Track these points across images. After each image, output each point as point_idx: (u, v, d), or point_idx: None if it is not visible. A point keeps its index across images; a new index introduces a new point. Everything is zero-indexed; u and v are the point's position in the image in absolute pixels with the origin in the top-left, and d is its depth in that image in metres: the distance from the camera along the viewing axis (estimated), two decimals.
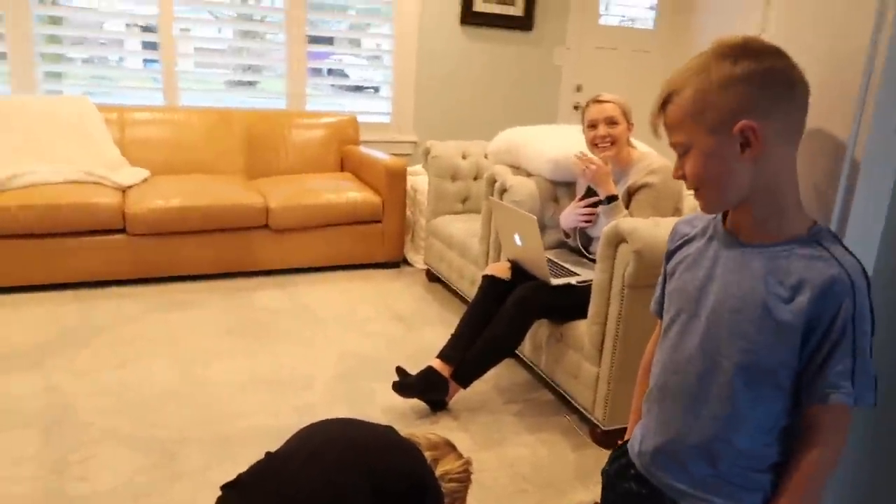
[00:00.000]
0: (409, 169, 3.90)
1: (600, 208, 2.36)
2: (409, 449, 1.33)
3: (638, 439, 1.11)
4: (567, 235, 2.66)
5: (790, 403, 0.96)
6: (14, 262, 3.07)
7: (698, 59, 0.95)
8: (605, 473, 1.21)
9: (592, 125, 2.45)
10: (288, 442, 1.29)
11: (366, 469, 1.20)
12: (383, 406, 2.34)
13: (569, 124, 3.37)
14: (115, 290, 3.24)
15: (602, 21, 4.93)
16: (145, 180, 3.50)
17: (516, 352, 2.59)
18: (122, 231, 3.22)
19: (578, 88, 4.86)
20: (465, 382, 2.33)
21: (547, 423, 2.34)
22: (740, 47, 0.92)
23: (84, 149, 3.44)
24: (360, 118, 4.28)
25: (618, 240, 2.10)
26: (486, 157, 3.48)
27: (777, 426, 0.97)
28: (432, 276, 3.63)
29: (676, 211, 2.38)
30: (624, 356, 2.12)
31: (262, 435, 2.13)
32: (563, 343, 2.36)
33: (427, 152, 3.54)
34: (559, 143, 2.88)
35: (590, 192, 2.51)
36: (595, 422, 2.23)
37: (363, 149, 4.05)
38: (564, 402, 2.46)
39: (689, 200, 2.42)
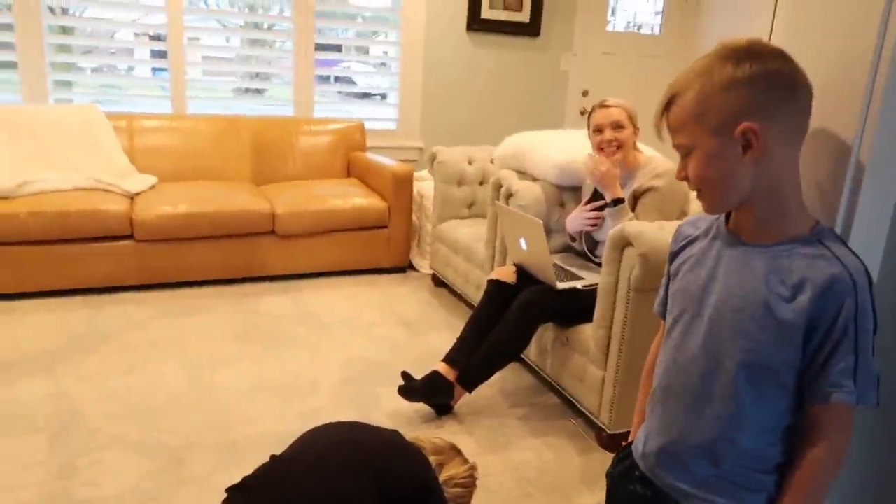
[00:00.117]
0: (416, 174, 3.91)
1: (606, 211, 2.35)
2: (413, 453, 1.33)
3: (642, 440, 1.11)
4: (573, 239, 2.66)
5: (793, 403, 0.95)
6: (23, 268, 3.10)
7: (702, 61, 0.95)
8: (609, 476, 1.20)
9: (598, 130, 2.45)
10: (292, 445, 1.29)
11: (371, 472, 1.20)
12: (389, 410, 2.34)
13: (575, 129, 3.37)
14: (122, 296, 3.26)
15: (609, 27, 4.94)
16: (153, 187, 3.53)
17: (522, 356, 2.58)
18: (130, 237, 3.25)
19: (585, 94, 4.86)
20: (470, 386, 2.33)
21: (552, 427, 2.33)
22: (743, 50, 0.92)
23: (93, 156, 3.47)
24: (367, 125, 4.29)
25: (623, 243, 2.10)
26: (491, 162, 3.49)
27: (780, 426, 0.96)
28: (438, 282, 3.63)
29: (682, 214, 2.37)
30: (630, 360, 2.11)
31: (268, 440, 2.14)
32: (569, 347, 2.35)
33: (433, 158, 3.55)
34: (565, 148, 2.88)
35: (596, 196, 2.50)
36: (601, 425, 2.22)
37: (370, 155, 4.06)
38: (570, 405, 2.45)
39: (696, 204, 2.41)
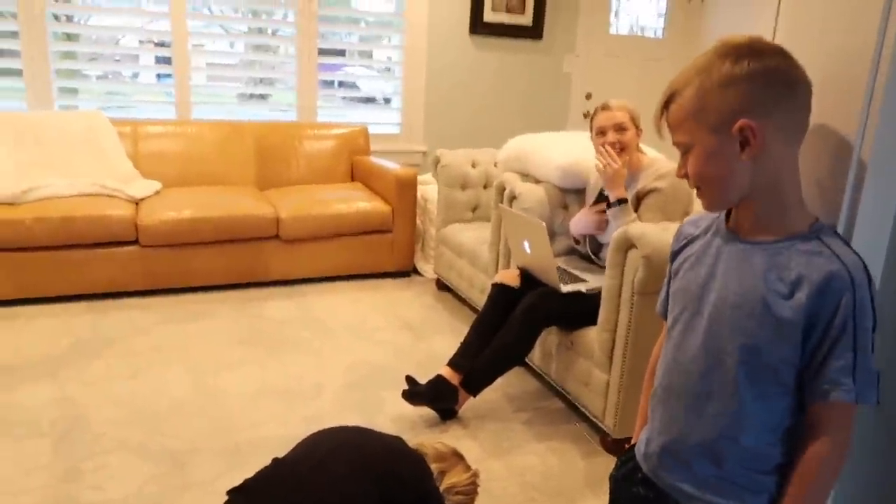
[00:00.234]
0: (419, 178, 3.91)
1: (609, 211, 2.34)
2: (416, 461, 1.33)
3: (644, 442, 1.11)
4: (577, 242, 2.65)
5: (794, 402, 0.94)
6: (28, 273, 3.11)
7: (701, 58, 0.96)
8: (612, 478, 1.20)
9: (601, 132, 2.44)
10: (295, 449, 1.29)
11: (374, 477, 1.20)
12: (392, 415, 2.34)
13: (578, 132, 3.36)
14: (127, 301, 3.26)
15: (612, 29, 4.93)
16: (158, 192, 3.53)
17: (526, 360, 2.58)
18: (135, 243, 3.26)
19: (588, 96, 4.86)
20: (474, 391, 2.32)
21: (556, 432, 2.32)
22: (742, 47, 0.92)
23: (98, 162, 3.48)
24: (371, 129, 4.30)
25: (627, 245, 2.09)
26: (495, 165, 3.49)
27: (781, 425, 0.95)
28: (442, 286, 3.63)
29: (685, 215, 2.36)
30: (634, 363, 2.10)
31: (272, 444, 2.13)
32: (574, 351, 2.34)
33: (437, 161, 3.55)
34: (568, 150, 2.88)
35: (600, 199, 2.50)
36: (605, 430, 2.21)
37: (373, 159, 4.07)
38: (574, 410, 2.44)
39: (699, 205, 2.40)
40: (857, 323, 0.89)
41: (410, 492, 1.25)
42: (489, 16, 4.48)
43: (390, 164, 3.83)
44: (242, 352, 2.79)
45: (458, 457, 1.42)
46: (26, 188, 3.16)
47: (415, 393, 2.28)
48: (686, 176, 0.99)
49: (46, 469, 1.97)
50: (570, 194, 2.91)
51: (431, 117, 4.53)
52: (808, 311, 0.89)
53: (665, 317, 1.12)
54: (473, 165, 3.58)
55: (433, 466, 1.35)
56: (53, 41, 3.73)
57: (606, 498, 1.23)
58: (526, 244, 2.40)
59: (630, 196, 2.35)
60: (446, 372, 2.33)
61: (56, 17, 3.80)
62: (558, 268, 2.47)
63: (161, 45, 4.09)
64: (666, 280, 1.14)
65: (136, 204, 3.37)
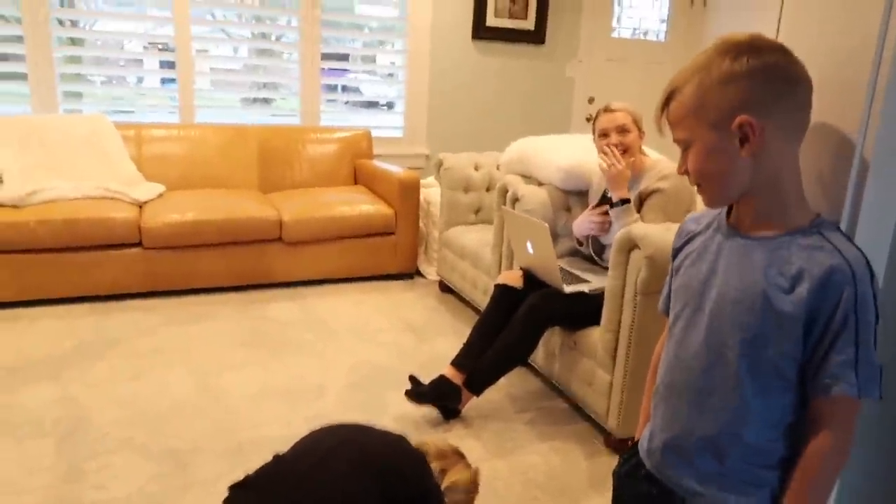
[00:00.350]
0: (422, 181, 3.92)
1: (612, 211, 2.34)
2: (417, 459, 1.32)
3: (647, 438, 1.10)
4: (580, 243, 2.65)
5: (797, 398, 0.94)
6: (32, 275, 3.12)
7: (701, 55, 0.96)
8: (615, 475, 1.19)
9: (604, 134, 2.44)
10: (296, 445, 1.29)
11: (375, 474, 1.20)
12: (396, 414, 2.34)
13: (580, 135, 3.37)
14: (130, 303, 3.27)
15: (614, 33, 4.95)
16: (161, 195, 3.55)
17: (529, 360, 2.58)
18: (138, 245, 3.26)
19: (591, 100, 4.87)
20: (477, 390, 2.32)
21: (560, 432, 2.31)
22: (742, 44, 0.93)
23: (101, 165, 3.50)
24: (374, 132, 4.31)
25: (630, 246, 2.09)
26: (498, 168, 3.49)
27: (784, 421, 0.95)
28: (445, 288, 3.63)
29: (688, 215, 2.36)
30: (637, 363, 2.10)
31: (275, 445, 2.11)
32: (577, 351, 2.34)
33: (439, 164, 3.56)
34: (570, 153, 2.88)
35: (603, 201, 2.50)
36: (609, 430, 2.20)
37: (376, 162, 4.08)
38: (578, 410, 2.44)
39: (702, 206, 2.40)
40: (858, 317, 0.88)
41: (412, 490, 1.24)
42: (492, 20, 4.50)
43: (393, 168, 3.84)
44: (245, 353, 2.79)
45: (458, 455, 1.42)
46: (30, 191, 3.17)
47: (418, 392, 2.28)
48: (686, 172, 0.99)
49: (49, 469, 1.97)
50: (573, 196, 2.92)
51: (434, 121, 4.54)
52: (809, 306, 0.89)
53: (667, 314, 1.12)
54: (476, 168, 3.58)
55: (434, 465, 1.34)
56: (58, 46, 3.75)
57: (610, 497, 1.23)
58: (529, 245, 2.40)
59: (633, 197, 2.35)
60: (449, 372, 2.32)
61: (60, 23, 3.82)
62: (561, 268, 2.47)
63: (165, 49, 4.11)
64: (668, 277, 1.14)
65: (140, 206, 3.38)
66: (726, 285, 0.97)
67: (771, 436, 0.95)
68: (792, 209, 0.95)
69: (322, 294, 3.53)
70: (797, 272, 0.90)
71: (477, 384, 2.31)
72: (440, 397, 2.30)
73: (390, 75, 4.68)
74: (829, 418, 0.91)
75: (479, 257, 3.15)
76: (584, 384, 2.30)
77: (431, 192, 3.93)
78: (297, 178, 4.03)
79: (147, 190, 3.51)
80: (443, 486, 1.31)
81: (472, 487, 1.37)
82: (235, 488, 1.19)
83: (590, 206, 2.60)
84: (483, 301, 2.98)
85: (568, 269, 2.56)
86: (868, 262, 0.91)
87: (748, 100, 0.91)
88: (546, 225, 2.28)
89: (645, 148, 2.52)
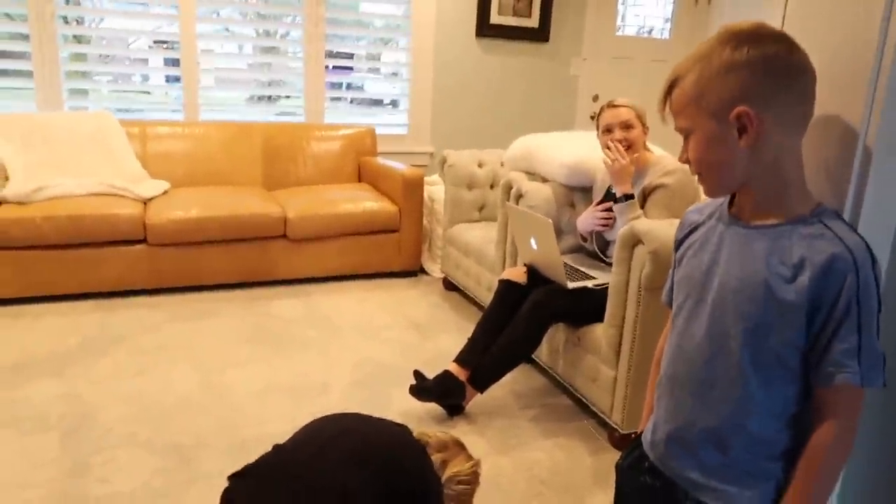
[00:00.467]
0: (426, 179, 3.92)
1: (616, 206, 2.34)
2: (418, 451, 1.32)
3: (650, 430, 1.10)
4: (584, 239, 2.65)
5: (801, 388, 0.93)
6: (37, 272, 3.13)
7: (704, 45, 0.96)
8: (618, 468, 1.19)
9: (608, 130, 2.44)
10: (296, 435, 1.29)
11: (375, 466, 1.19)
12: (400, 411, 2.33)
13: (585, 131, 3.36)
14: (135, 299, 3.28)
15: (619, 31, 4.94)
16: (165, 192, 3.56)
17: (533, 357, 2.57)
18: (143, 242, 3.27)
19: (595, 98, 4.86)
20: (481, 387, 2.32)
21: (564, 428, 2.31)
22: (744, 33, 0.92)
23: (106, 162, 3.51)
24: (378, 130, 4.31)
25: (633, 241, 2.08)
26: (502, 165, 3.49)
27: (788, 411, 0.94)
28: (449, 285, 3.63)
29: None
30: (642, 359, 2.09)
31: (279, 440, 2.11)
32: (581, 347, 2.33)
33: (443, 161, 3.55)
34: (574, 149, 2.87)
35: (607, 196, 2.49)
36: (613, 425, 2.20)
37: (380, 159, 4.08)
38: (582, 406, 2.44)
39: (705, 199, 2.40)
40: (861, 304, 0.88)
41: (412, 482, 1.24)
42: (496, 18, 4.49)
43: (397, 165, 3.84)
44: (249, 350, 2.79)
45: (459, 446, 1.42)
46: (36, 187, 3.18)
47: (422, 389, 2.28)
48: (688, 161, 0.99)
49: (54, 463, 1.98)
50: (577, 192, 2.91)
51: (438, 119, 4.54)
52: (811, 294, 0.89)
53: (670, 305, 1.12)
54: (480, 165, 3.58)
55: (435, 456, 1.34)
56: (63, 44, 3.76)
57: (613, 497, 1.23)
58: (533, 241, 2.40)
59: (636, 193, 2.35)
60: (453, 368, 2.32)
61: (66, 20, 3.83)
62: (565, 264, 2.47)
63: (170, 47, 4.12)
64: (671, 269, 1.14)
65: (145, 203, 3.39)
66: (728, 275, 0.96)
67: (776, 426, 0.95)
68: (793, 198, 0.94)
69: (326, 291, 3.53)
70: (799, 261, 0.90)
71: (481, 381, 2.31)
72: (444, 394, 2.30)
73: (394, 74, 4.68)
74: (832, 408, 0.90)
75: (483, 254, 3.15)
76: (589, 380, 2.30)
77: (435, 189, 3.93)
78: (302, 175, 4.03)
79: (152, 187, 3.52)
80: (444, 478, 1.31)
81: (472, 478, 1.37)
82: (235, 477, 1.19)
83: (594, 203, 2.60)
84: (487, 298, 2.98)
85: (572, 265, 2.55)
86: (870, 250, 0.90)
87: (747, 91, 0.90)
88: (550, 221, 2.28)
89: (649, 144, 2.51)
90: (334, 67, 4.44)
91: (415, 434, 1.35)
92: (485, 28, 4.49)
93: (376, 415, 1.37)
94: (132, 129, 3.71)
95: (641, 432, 1.16)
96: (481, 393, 2.33)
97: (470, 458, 1.40)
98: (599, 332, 2.24)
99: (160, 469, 1.97)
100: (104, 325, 2.96)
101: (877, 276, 0.89)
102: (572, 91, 4.86)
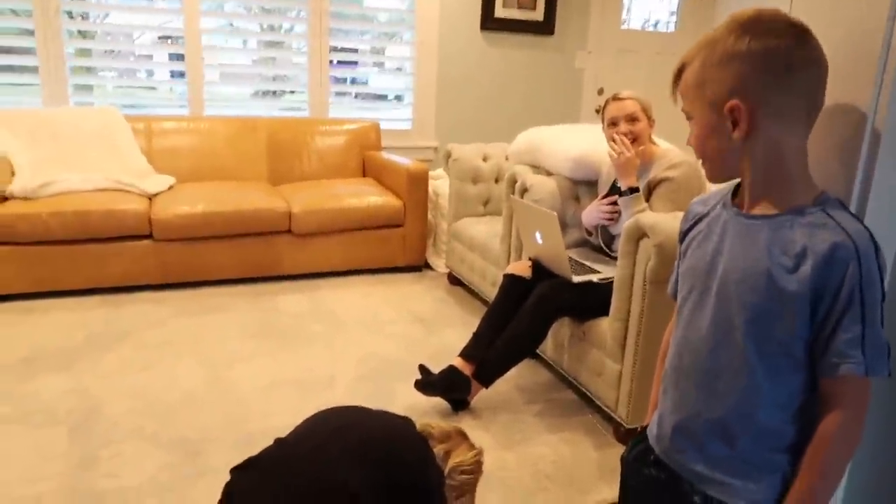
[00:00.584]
0: (431, 173, 3.91)
1: (620, 199, 2.33)
2: (420, 445, 1.32)
3: (656, 423, 1.10)
4: (589, 233, 2.64)
5: (807, 378, 0.93)
6: (44, 267, 3.14)
7: (712, 32, 0.96)
8: (623, 460, 1.19)
9: (613, 122, 2.43)
10: (298, 428, 1.29)
11: (376, 459, 1.19)
12: (405, 405, 2.34)
13: (590, 124, 3.35)
14: (141, 295, 3.29)
15: (624, 24, 4.91)
16: (171, 187, 3.56)
17: (538, 352, 2.57)
18: (149, 237, 3.28)
19: (600, 92, 4.84)
20: (486, 381, 2.32)
21: (569, 423, 2.31)
22: (747, 23, 0.92)
23: (112, 158, 3.52)
24: (382, 125, 4.31)
25: (639, 234, 2.08)
26: (506, 159, 3.48)
27: (794, 402, 0.94)
28: (454, 280, 3.63)
29: None
30: (647, 353, 2.09)
31: (284, 434, 2.14)
32: (586, 341, 2.33)
33: (448, 155, 3.55)
34: (579, 142, 2.87)
35: (612, 191, 2.49)
36: (618, 420, 2.20)
37: (385, 154, 4.08)
38: (587, 401, 2.44)
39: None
40: (864, 293, 0.87)
41: (414, 475, 1.24)
42: (500, 11, 4.48)
43: (402, 159, 3.84)
44: (255, 345, 2.80)
45: (462, 436, 1.42)
46: (42, 183, 3.20)
47: (427, 383, 2.28)
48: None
49: (63, 457, 1.99)
50: (582, 186, 2.91)
51: (443, 113, 4.54)
52: (813, 284, 0.88)
53: (676, 298, 1.12)
54: (485, 159, 3.57)
55: (439, 447, 1.34)
56: (68, 39, 3.77)
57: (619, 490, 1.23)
58: (538, 235, 2.40)
59: (642, 186, 2.34)
60: (459, 363, 2.32)
61: (70, 16, 3.83)
62: (570, 259, 2.47)
63: (174, 43, 4.12)
64: (676, 261, 1.13)
65: (150, 199, 3.40)
66: (731, 265, 0.96)
67: (782, 417, 0.95)
68: (794, 189, 0.94)
69: (331, 286, 3.54)
70: (801, 250, 0.90)
71: (486, 375, 2.31)
72: (449, 388, 2.30)
73: (398, 69, 4.67)
74: (839, 398, 0.90)
75: (488, 249, 3.15)
76: (594, 375, 2.30)
77: (440, 183, 3.93)
78: (306, 170, 4.03)
79: (157, 182, 3.53)
80: (447, 469, 1.31)
81: (475, 467, 1.37)
82: (237, 470, 1.20)
83: (599, 196, 2.59)
84: (492, 292, 2.97)
85: (577, 259, 2.55)
86: (873, 238, 0.89)
87: (743, 83, 0.91)
88: (555, 214, 2.27)
89: (654, 137, 2.50)
90: (338, 62, 4.43)
91: (418, 425, 1.35)
92: (489, 21, 4.47)
93: (381, 409, 1.38)
94: (137, 124, 3.72)
95: (647, 426, 1.16)
96: (486, 387, 2.33)
97: (472, 446, 1.40)
98: (604, 326, 2.24)
99: (167, 463, 1.98)
100: (110, 321, 2.97)
101: (880, 264, 0.89)
102: (577, 85, 4.84)
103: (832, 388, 0.90)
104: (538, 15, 4.58)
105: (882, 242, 0.91)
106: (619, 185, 2.38)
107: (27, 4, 3.59)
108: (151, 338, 2.82)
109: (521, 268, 2.50)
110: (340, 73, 4.49)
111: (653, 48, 4.95)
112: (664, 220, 2.03)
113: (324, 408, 1.28)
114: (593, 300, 2.30)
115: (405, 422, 1.33)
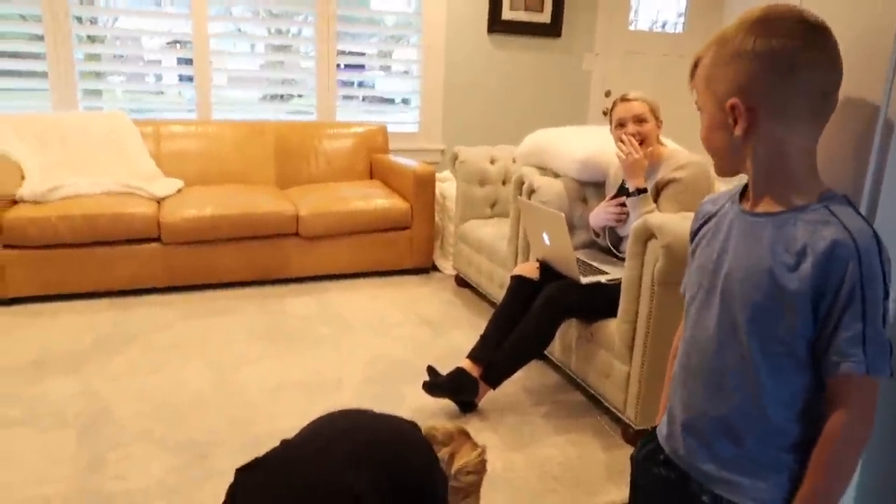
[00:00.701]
0: (438, 175, 3.91)
1: (628, 200, 2.32)
2: (425, 449, 1.31)
3: (665, 423, 1.09)
4: (597, 235, 2.63)
5: (812, 377, 0.92)
6: (52, 270, 3.16)
7: (727, 28, 0.97)
8: (633, 460, 1.18)
9: (621, 124, 2.42)
10: (303, 430, 1.29)
11: (381, 462, 1.19)
12: (412, 407, 2.33)
13: (597, 126, 3.34)
14: (149, 297, 3.30)
15: (631, 26, 4.90)
16: (179, 191, 3.58)
17: (545, 353, 2.56)
18: (157, 240, 3.29)
19: (608, 94, 4.83)
20: (494, 383, 2.31)
21: (577, 424, 2.30)
22: (756, 21, 0.92)
23: (120, 161, 3.53)
24: (389, 128, 4.31)
25: (647, 235, 2.07)
26: (514, 161, 3.47)
27: (798, 401, 0.93)
28: (461, 282, 3.62)
29: None
30: (655, 354, 2.07)
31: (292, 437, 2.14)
32: (594, 343, 2.32)
33: (455, 158, 3.55)
34: (586, 144, 2.86)
35: (620, 192, 2.48)
36: (627, 421, 2.19)
37: (392, 157, 4.08)
38: (595, 403, 2.42)
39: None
40: (865, 291, 0.86)
41: (419, 479, 1.23)
42: (507, 14, 4.48)
43: (409, 162, 3.84)
44: (263, 347, 2.80)
45: (465, 435, 1.41)
46: (51, 187, 3.21)
47: (435, 385, 2.28)
48: None
49: (71, 459, 1.99)
50: (589, 188, 2.89)
51: (449, 116, 4.54)
52: (814, 282, 0.87)
53: None
54: (492, 162, 3.57)
55: (444, 450, 1.33)
56: (77, 44, 3.79)
57: (628, 489, 1.22)
58: (545, 236, 2.39)
59: (649, 187, 2.33)
60: (466, 364, 2.32)
61: (80, 21, 3.86)
62: (578, 260, 2.46)
63: (183, 47, 4.14)
64: (689, 261, 1.13)
65: (159, 202, 3.41)
66: (735, 263, 0.96)
67: (788, 415, 0.94)
68: (798, 187, 0.93)
69: (338, 288, 3.54)
70: (801, 248, 0.89)
71: (494, 377, 2.30)
72: (457, 390, 2.29)
73: (405, 72, 4.67)
74: (843, 397, 0.89)
75: (495, 251, 3.14)
76: (602, 376, 2.28)
77: (447, 186, 3.93)
78: (314, 173, 4.04)
79: (165, 186, 3.55)
80: (453, 471, 1.31)
81: (480, 467, 1.36)
82: (242, 472, 1.19)
83: (607, 198, 2.58)
84: (499, 294, 2.97)
85: (585, 260, 2.54)
86: (876, 235, 0.88)
87: (746, 84, 0.91)
88: (562, 215, 2.27)
89: (662, 138, 2.49)
90: (346, 66, 4.44)
91: (423, 428, 1.35)
92: (496, 24, 4.47)
93: (389, 411, 1.37)
94: (146, 128, 3.74)
95: (657, 426, 1.15)
96: (494, 389, 2.32)
97: (475, 446, 1.39)
98: (612, 328, 2.23)
99: (174, 466, 1.98)
100: (119, 324, 2.98)
101: (883, 262, 0.87)
102: (585, 86, 4.83)
103: (836, 388, 0.90)
104: (545, 17, 4.57)
105: (894, 236, 0.90)
106: (627, 186, 2.37)
107: (36, 9, 3.62)
108: (159, 341, 2.82)
109: (529, 269, 2.49)
110: (348, 76, 4.50)
111: (660, 49, 4.94)
112: (672, 221, 2.02)
113: (331, 410, 1.28)
114: (601, 301, 2.29)
115: (411, 426, 1.32)
